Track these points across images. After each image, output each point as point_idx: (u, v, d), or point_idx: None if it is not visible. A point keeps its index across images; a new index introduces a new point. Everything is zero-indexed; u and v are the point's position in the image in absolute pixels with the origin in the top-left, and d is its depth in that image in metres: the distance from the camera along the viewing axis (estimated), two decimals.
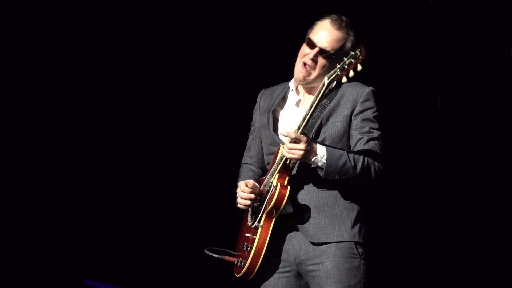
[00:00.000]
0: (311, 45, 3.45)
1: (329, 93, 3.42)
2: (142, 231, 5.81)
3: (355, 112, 3.43)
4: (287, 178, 3.35)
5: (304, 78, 3.46)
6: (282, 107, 3.58)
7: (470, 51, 5.27)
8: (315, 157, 3.28)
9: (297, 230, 3.40)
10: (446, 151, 5.44)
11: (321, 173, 3.30)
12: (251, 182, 3.46)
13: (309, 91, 3.52)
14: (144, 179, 5.79)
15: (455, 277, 5.37)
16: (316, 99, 3.25)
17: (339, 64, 3.23)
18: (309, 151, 3.26)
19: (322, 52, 3.43)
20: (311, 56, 3.44)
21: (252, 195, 3.42)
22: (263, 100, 3.66)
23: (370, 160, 3.36)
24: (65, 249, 5.50)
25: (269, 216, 3.35)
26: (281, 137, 3.47)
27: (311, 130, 3.39)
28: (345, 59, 3.21)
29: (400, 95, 5.40)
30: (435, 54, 5.37)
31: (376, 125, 3.44)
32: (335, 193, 3.38)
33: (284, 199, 3.30)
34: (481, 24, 5.22)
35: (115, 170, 5.75)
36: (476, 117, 5.28)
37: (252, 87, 3.93)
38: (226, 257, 3.53)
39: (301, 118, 3.30)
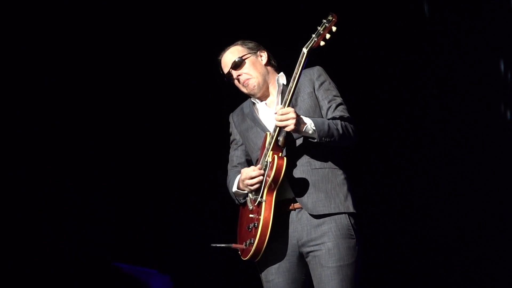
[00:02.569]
0: (227, 74, 3.79)
1: (286, 88, 3.60)
2: (164, 216, 5.93)
3: (316, 88, 3.68)
4: (281, 153, 3.53)
5: (253, 90, 3.76)
6: (256, 112, 3.81)
7: (463, 58, 5.47)
8: (305, 126, 3.47)
9: (299, 214, 3.58)
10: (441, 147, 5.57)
11: (315, 140, 3.49)
12: (251, 167, 3.60)
13: (267, 93, 3.80)
14: (165, 166, 5.90)
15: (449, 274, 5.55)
16: (298, 70, 3.46)
17: (314, 34, 3.45)
18: (299, 121, 3.45)
19: (235, 67, 3.76)
20: (234, 76, 3.78)
21: (261, 171, 3.54)
22: (236, 116, 3.91)
23: (344, 122, 3.59)
24: (94, 234, 5.63)
25: (270, 190, 3.50)
26: (268, 127, 3.69)
27: None
28: (319, 27, 3.45)
29: (395, 95, 5.62)
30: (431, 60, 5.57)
31: (336, 92, 3.69)
32: (326, 171, 3.60)
33: (282, 169, 3.47)
34: (474, 33, 5.40)
35: (139, 157, 5.84)
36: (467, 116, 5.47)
37: None
38: (233, 245, 3.63)
39: (286, 93, 3.49)
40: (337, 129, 3.54)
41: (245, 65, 3.77)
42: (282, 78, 3.75)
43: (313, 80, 3.70)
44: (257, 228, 3.50)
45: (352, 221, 3.59)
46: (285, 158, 3.50)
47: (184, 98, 5.91)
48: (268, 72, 3.80)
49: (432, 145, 5.60)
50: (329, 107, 3.66)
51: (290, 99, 3.50)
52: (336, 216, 3.57)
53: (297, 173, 3.59)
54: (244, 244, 3.60)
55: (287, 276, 3.61)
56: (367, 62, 5.63)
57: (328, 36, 3.43)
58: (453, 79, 5.53)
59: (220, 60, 3.83)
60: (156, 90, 5.91)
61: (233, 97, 4.06)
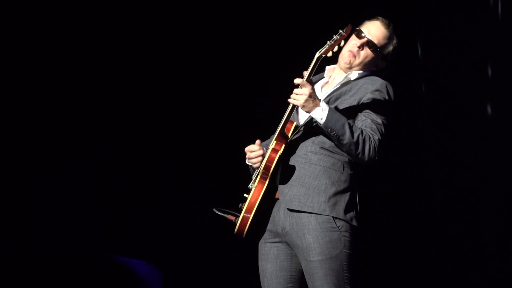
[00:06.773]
0: (360, 36, 3.60)
1: (350, 82, 3.56)
2: (152, 206, 5.94)
3: (363, 100, 3.49)
4: (283, 146, 3.44)
5: (349, 62, 3.59)
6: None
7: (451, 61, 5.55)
8: (316, 108, 3.35)
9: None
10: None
11: (320, 124, 3.37)
12: (256, 142, 3.55)
13: (338, 75, 3.66)
14: (154, 157, 5.91)
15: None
16: (313, 63, 3.39)
17: (329, 40, 3.40)
18: (311, 100, 3.34)
19: (369, 43, 3.58)
20: (358, 44, 3.59)
21: (261, 151, 3.50)
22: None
23: (368, 136, 3.40)
24: (83, 225, 5.68)
25: (262, 177, 3.44)
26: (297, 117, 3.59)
27: None
28: (334, 36, 3.40)
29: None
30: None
31: (382, 113, 3.48)
32: (319, 168, 3.45)
33: (273, 162, 3.40)
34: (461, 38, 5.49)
35: (128, 148, 5.86)
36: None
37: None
38: (229, 216, 3.55)
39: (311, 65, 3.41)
40: (352, 133, 3.37)
41: (370, 52, 3.61)
42: (353, 74, 3.63)
43: (368, 91, 3.53)
44: (241, 211, 3.48)
45: (335, 219, 3.45)
46: (278, 153, 3.42)
47: (169, 89, 5.94)
48: (364, 70, 3.64)
49: (422, 143, 5.66)
50: (364, 120, 3.48)
51: (310, 73, 3.42)
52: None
53: (292, 163, 3.50)
54: (234, 219, 3.55)
55: (275, 263, 3.57)
56: None
57: (336, 49, 3.39)
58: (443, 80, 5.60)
59: (369, 21, 3.67)
60: (143, 80, 5.94)
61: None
